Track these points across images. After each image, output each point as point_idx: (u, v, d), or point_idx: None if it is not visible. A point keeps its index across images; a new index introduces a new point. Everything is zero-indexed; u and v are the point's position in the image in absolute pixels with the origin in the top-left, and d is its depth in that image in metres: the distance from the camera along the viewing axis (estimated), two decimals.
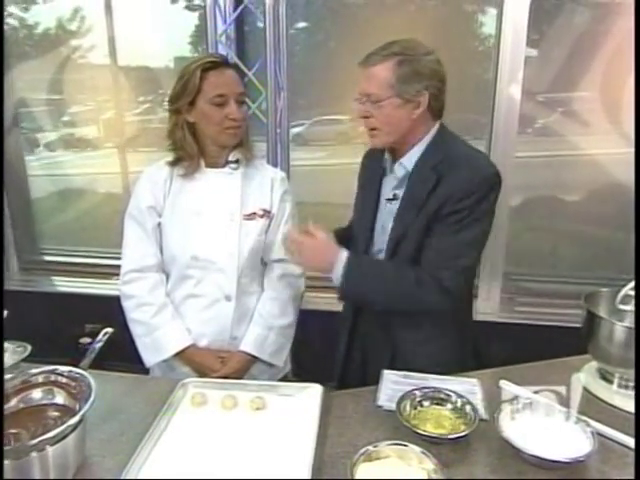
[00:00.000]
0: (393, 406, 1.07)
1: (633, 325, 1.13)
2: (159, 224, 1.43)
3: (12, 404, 0.98)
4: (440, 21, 2.50)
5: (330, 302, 2.28)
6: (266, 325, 1.46)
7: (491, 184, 1.25)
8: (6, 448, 0.85)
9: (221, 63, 1.33)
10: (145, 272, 1.43)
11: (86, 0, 2.72)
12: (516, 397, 1.08)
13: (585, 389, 1.19)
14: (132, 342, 1.46)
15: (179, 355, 1.42)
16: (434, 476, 0.86)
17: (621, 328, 1.12)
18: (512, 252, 2.62)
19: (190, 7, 2.72)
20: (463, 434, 0.99)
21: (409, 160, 1.31)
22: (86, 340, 2.70)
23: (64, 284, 2.92)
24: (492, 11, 2.48)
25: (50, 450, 0.87)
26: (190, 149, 1.36)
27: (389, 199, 1.34)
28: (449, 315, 1.35)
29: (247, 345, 1.45)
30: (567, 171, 2.59)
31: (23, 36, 2.90)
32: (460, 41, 2.52)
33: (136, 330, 1.44)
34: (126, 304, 1.45)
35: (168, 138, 1.40)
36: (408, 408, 1.06)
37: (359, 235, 1.41)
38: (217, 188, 1.42)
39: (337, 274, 1.26)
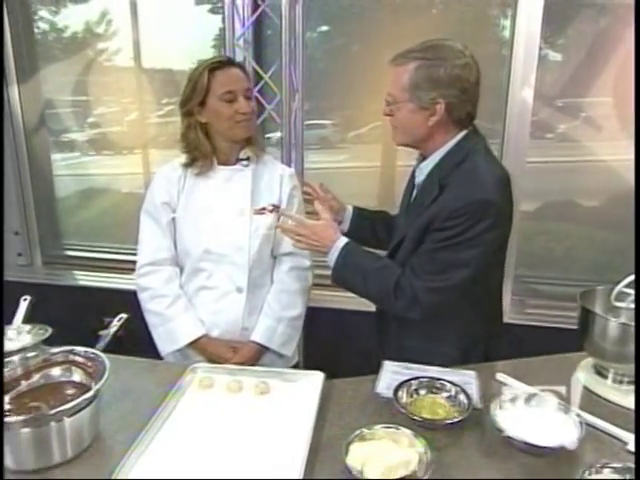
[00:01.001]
0: (391, 394, 1.12)
1: (626, 321, 1.16)
2: (173, 219, 1.50)
3: (34, 380, 1.06)
4: (460, 24, 2.52)
5: (341, 300, 2.37)
6: (275, 317, 1.52)
7: (479, 210, 1.18)
8: (27, 416, 0.92)
9: (226, 63, 1.41)
10: (159, 265, 1.50)
11: (113, 4, 2.80)
12: (510, 388, 1.12)
13: (582, 384, 1.22)
14: (148, 334, 1.54)
15: (192, 345, 1.50)
16: (424, 457, 0.91)
17: (614, 324, 1.15)
18: (524, 255, 2.63)
19: (214, 10, 2.78)
20: (456, 420, 1.03)
21: (426, 167, 1.32)
22: (104, 332, 2.79)
23: (85, 278, 3.02)
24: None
25: (67, 421, 0.94)
26: (204, 148, 1.44)
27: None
28: (451, 318, 1.36)
29: (257, 335, 1.51)
30: (580, 176, 2.59)
31: (52, 39, 3.01)
32: (482, 44, 2.53)
33: (151, 321, 1.52)
34: (142, 296, 1.52)
35: (182, 141, 1.47)
36: (405, 396, 1.11)
37: (395, 230, 1.45)
38: (228, 185, 1.49)
39: (332, 258, 1.31)
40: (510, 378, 1.21)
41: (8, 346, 1.20)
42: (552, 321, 2.49)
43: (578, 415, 1.02)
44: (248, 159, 1.51)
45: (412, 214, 1.34)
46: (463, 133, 1.29)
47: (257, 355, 1.51)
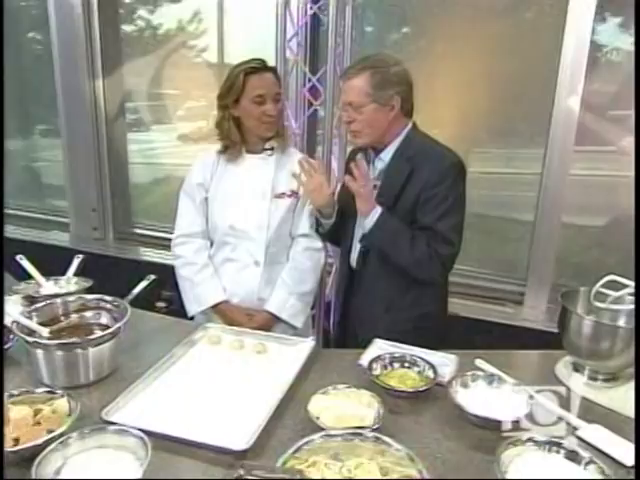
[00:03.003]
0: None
1: (599, 319, 1.21)
2: (206, 199, 1.71)
3: (71, 319, 1.30)
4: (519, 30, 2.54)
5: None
6: (288, 290, 1.69)
7: (458, 169, 1.49)
8: (60, 342, 1.15)
9: (260, 68, 1.59)
10: (192, 237, 1.72)
11: (205, 3, 3.01)
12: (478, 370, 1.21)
13: (558, 380, 1.28)
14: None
15: (214, 308, 1.70)
16: (374, 413, 1.03)
17: (588, 322, 1.20)
18: (564, 266, 2.61)
19: None
20: (414, 390, 1.14)
21: (386, 154, 1.54)
22: (161, 304, 3.08)
23: (148, 254, 3.34)
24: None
25: (91, 350, 1.16)
26: (234, 138, 1.64)
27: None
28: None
29: (270, 305, 1.69)
30: (624, 190, 2.53)
31: (147, 36, 3.31)
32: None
33: (182, 284, 1.74)
34: (176, 262, 1.75)
35: (216, 128, 1.68)
36: (379, 367, 1.23)
37: (348, 220, 1.63)
38: (253, 171, 1.68)
39: (369, 223, 1.48)
40: (487, 365, 1.29)
41: (56, 290, 1.46)
42: None
43: (531, 397, 1.09)
44: (272, 149, 1.69)
45: (383, 197, 1.51)
46: (411, 123, 1.56)
47: (269, 323, 1.67)
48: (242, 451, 0.96)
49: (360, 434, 0.91)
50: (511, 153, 2.72)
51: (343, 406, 1.06)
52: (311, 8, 2.41)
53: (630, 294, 1.22)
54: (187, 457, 0.97)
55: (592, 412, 1.14)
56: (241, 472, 0.80)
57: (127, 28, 3.25)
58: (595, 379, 1.25)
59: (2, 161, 2.79)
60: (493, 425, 1.04)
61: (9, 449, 0.90)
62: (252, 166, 1.68)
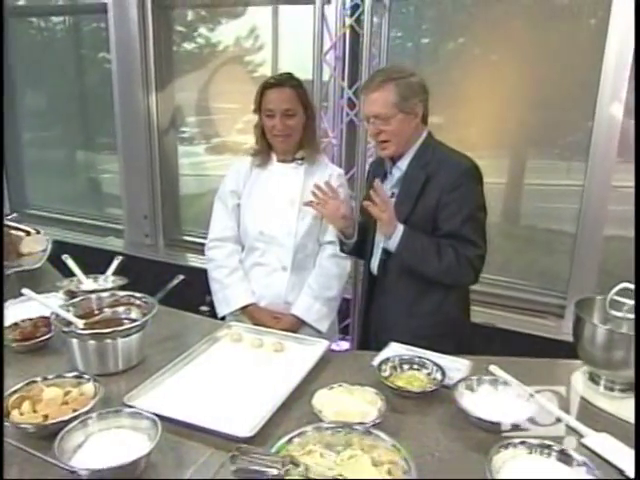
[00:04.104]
0: None
1: (613, 328, 1.18)
2: (238, 205, 1.80)
3: (105, 313, 1.41)
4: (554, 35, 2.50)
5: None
6: (314, 295, 1.75)
7: (472, 173, 1.53)
8: (92, 332, 1.26)
9: (277, 83, 1.67)
10: (224, 242, 1.82)
11: (261, 19, 3.13)
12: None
13: (574, 390, 1.26)
14: None
15: (243, 310, 1.78)
16: (376, 410, 1.07)
17: (602, 331, 1.18)
18: (608, 278, 2.51)
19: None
20: (419, 391, 1.16)
21: (403, 163, 1.58)
22: (205, 308, 3.21)
23: (194, 260, 3.50)
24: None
25: (120, 341, 1.27)
26: (261, 145, 1.75)
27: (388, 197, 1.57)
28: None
29: (297, 309, 1.75)
30: None
31: (207, 52, 3.46)
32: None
33: (213, 286, 1.84)
34: (208, 265, 1.85)
35: (254, 135, 1.78)
36: (388, 369, 1.26)
37: (369, 228, 1.67)
38: (283, 179, 1.76)
39: (394, 243, 1.52)
40: (501, 371, 1.29)
41: (94, 287, 1.59)
42: None
43: (535, 401, 1.09)
44: (302, 159, 1.76)
45: (401, 204, 1.55)
46: (426, 131, 1.60)
47: (295, 326, 1.73)
48: (246, 438, 1.02)
49: (350, 426, 0.95)
50: (553, 163, 2.67)
51: (346, 402, 1.10)
52: (348, 22, 2.49)
53: None
54: (195, 441, 1.04)
55: (605, 422, 1.12)
56: (235, 454, 0.85)
57: (187, 46, 3.44)
58: (612, 389, 1.22)
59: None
60: (495, 428, 1.05)
61: (39, 423, 1.01)
62: (282, 175, 1.76)
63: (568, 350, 1.60)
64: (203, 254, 3.47)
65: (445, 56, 2.72)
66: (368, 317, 1.74)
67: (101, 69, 3.69)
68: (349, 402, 1.10)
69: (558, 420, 1.10)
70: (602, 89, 2.30)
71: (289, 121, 1.67)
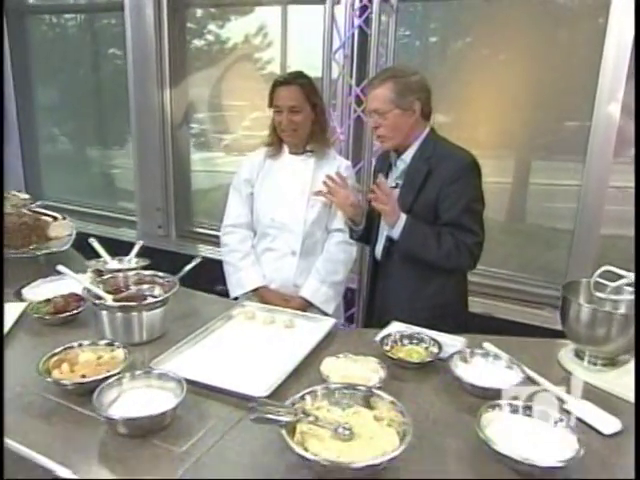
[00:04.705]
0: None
1: (597, 307, 1.29)
2: (252, 194, 1.93)
3: (131, 290, 1.53)
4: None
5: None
6: (321, 279, 1.87)
7: (472, 167, 1.63)
8: (119, 304, 1.38)
9: (285, 82, 1.79)
10: (238, 228, 1.94)
11: (270, 17, 3.22)
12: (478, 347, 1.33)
13: (560, 364, 1.37)
14: None
15: (254, 292, 1.90)
16: (377, 376, 1.18)
17: (587, 309, 1.29)
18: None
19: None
20: (417, 361, 1.28)
21: (407, 156, 1.69)
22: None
23: (205, 250, 3.62)
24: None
25: (144, 314, 1.39)
26: (272, 137, 1.88)
27: (392, 187, 1.70)
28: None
29: (305, 292, 1.88)
30: None
31: (216, 49, 3.55)
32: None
33: (227, 269, 1.97)
34: (222, 249, 1.98)
35: (268, 128, 1.91)
36: (390, 343, 1.38)
37: (374, 216, 1.78)
38: (294, 170, 1.89)
39: (397, 231, 1.63)
40: (493, 347, 1.40)
41: (119, 267, 1.72)
42: None
43: (522, 371, 1.20)
44: (312, 151, 1.88)
45: (404, 195, 1.66)
46: (429, 127, 1.71)
47: (303, 308, 1.85)
48: (262, 398, 1.13)
49: (355, 387, 1.07)
50: (554, 164, 2.75)
51: (351, 368, 1.21)
52: (356, 22, 2.59)
53: (627, 284, 1.29)
54: (216, 401, 1.16)
55: (588, 393, 1.22)
56: (254, 405, 0.97)
57: (197, 42, 3.54)
58: (595, 364, 1.33)
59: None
60: (485, 394, 1.16)
61: (78, 381, 1.14)
62: (293, 166, 1.88)
63: (562, 338, 1.69)
64: (214, 245, 3.70)
65: (452, 55, 2.82)
66: (372, 300, 1.86)
67: (113, 65, 3.82)
68: (354, 369, 1.21)
69: (544, 390, 1.21)
70: (600, 87, 2.37)
71: (295, 117, 1.79)
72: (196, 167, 3.79)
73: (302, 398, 1.04)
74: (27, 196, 2.27)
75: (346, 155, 2.73)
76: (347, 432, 0.96)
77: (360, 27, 2.58)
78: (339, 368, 1.21)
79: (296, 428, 0.97)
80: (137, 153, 3.66)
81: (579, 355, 1.37)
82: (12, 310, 1.52)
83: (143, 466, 0.96)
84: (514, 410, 1.05)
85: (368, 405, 1.05)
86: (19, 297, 1.63)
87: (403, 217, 1.62)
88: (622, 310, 1.33)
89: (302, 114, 1.80)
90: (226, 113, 3.60)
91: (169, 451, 1.00)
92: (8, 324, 1.45)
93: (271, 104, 1.82)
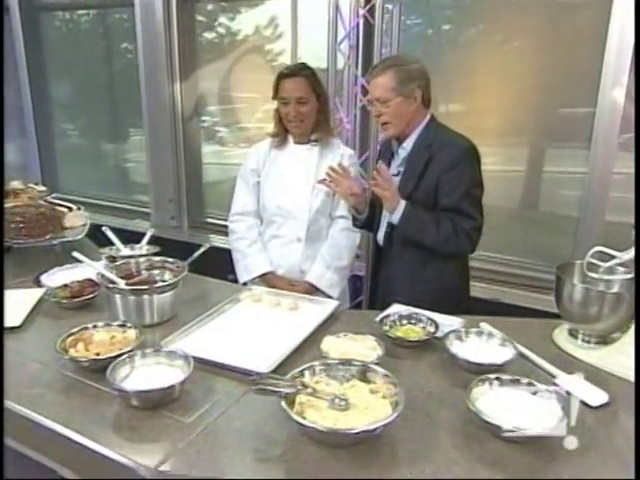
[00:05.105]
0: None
1: (589, 286, 1.33)
2: (258, 182, 1.99)
3: (143, 275, 1.60)
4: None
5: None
6: (326, 264, 1.94)
7: (471, 153, 1.68)
8: (132, 288, 1.45)
9: (291, 73, 1.85)
10: (245, 215, 2.01)
11: (280, 8, 3.24)
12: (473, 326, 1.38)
13: (555, 343, 1.41)
14: None
15: (261, 278, 1.97)
16: (375, 353, 1.24)
17: (580, 289, 1.33)
18: None
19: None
20: (414, 339, 1.33)
21: (408, 143, 1.73)
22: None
23: (217, 240, 3.70)
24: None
25: (155, 297, 1.46)
26: (277, 128, 1.94)
27: (394, 174, 1.75)
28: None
29: (310, 277, 1.94)
30: None
31: (227, 42, 3.56)
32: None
33: (235, 256, 2.04)
34: (230, 237, 2.06)
35: (273, 119, 1.96)
36: (389, 323, 1.43)
37: (376, 204, 1.83)
38: (299, 159, 1.94)
39: (397, 217, 1.68)
40: (490, 327, 1.45)
41: (131, 253, 1.80)
42: None
43: (514, 347, 1.25)
44: (317, 141, 1.93)
45: (405, 181, 1.72)
46: (429, 115, 1.75)
47: (309, 292, 1.91)
48: (264, 373, 1.20)
49: (351, 362, 1.13)
50: (561, 151, 2.77)
51: (350, 346, 1.27)
52: (361, 12, 2.63)
53: (619, 264, 1.33)
54: (222, 377, 1.23)
55: (578, 369, 1.26)
56: (256, 378, 1.04)
57: (208, 35, 3.58)
58: (589, 342, 1.37)
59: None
60: (478, 369, 1.21)
61: (93, 357, 1.21)
62: (298, 155, 1.94)
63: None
64: (225, 234, 3.74)
65: (463, 43, 2.83)
66: (375, 284, 1.92)
67: (125, 60, 3.89)
68: (352, 346, 1.27)
69: (535, 365, 1.26)
70: (605, 72, 2.38)
71: (302, 108, 1.84)
72: (207, 159, 3.86)
73: (301, 372, 1.11)
74: (44, 188, 2.36)
75: (352, 145, 2.77)
76: (343, 403, 1.02)
77: (364, 17, 2.61)
78: (338, 346, 1.27)
79: (295, 400, 1.03)
80: (149, 146, 3.74)
81: (573, 334, 1.41)
82: (31, 296, 1.61)
83: (154, 434, 1.03)
84: (503, 384, 1.10)
85: (365, 379, 1.11)
86: (38, 283, 1.71)
87: (403, 203, 1.67)
88: (614, 289, 1.37)
89: (309, 105, 1.85)
90: (237, 105, 3.65)
91: (178, 421, 1.07)
92: (28, 308, 1.53)
93: (276, 96, 1.87)
